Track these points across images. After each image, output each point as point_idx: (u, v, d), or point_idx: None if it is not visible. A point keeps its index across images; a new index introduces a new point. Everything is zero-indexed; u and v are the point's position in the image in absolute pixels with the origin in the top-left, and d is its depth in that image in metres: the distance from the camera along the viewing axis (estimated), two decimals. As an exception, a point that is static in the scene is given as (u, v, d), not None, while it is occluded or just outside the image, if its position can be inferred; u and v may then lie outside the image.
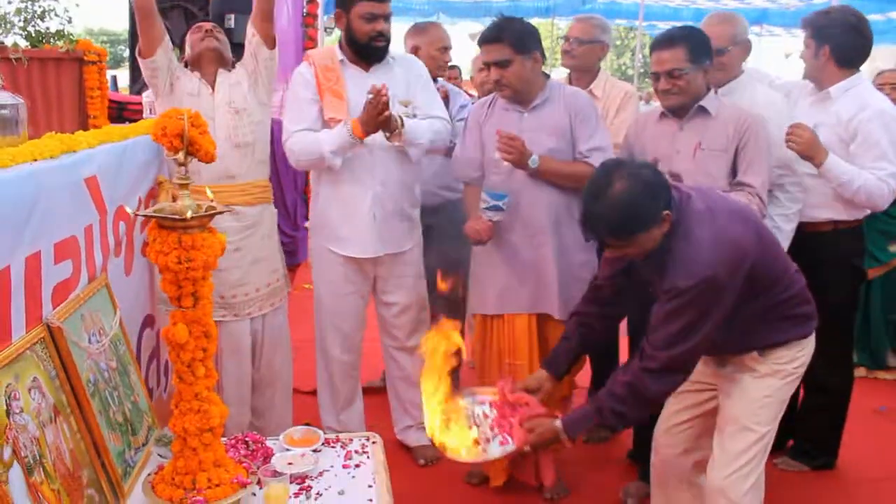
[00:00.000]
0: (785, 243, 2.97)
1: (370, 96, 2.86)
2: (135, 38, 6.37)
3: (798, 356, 2.34)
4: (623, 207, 2.04)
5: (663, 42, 2.82)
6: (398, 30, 4.05)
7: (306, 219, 6.01)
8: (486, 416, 2.36)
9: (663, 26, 16.07)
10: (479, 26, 13.87)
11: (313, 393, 3.61)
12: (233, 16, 5.98)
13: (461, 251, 3.30)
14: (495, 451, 2.26)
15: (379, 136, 3.00)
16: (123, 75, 9.43)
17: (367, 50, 3.07)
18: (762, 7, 13.18)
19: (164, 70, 2.91)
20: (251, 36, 3.03)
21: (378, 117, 2.86)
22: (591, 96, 3.40)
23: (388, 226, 3.16)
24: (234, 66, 3.07)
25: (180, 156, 1.75)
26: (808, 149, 2.94)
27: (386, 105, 2.85)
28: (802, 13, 11.65)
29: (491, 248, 3.04)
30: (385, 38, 3.07)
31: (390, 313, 3.33)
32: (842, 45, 3.10)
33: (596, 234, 2.16)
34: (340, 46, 3.14)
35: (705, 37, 2.84)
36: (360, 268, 3.21)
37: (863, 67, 3.24)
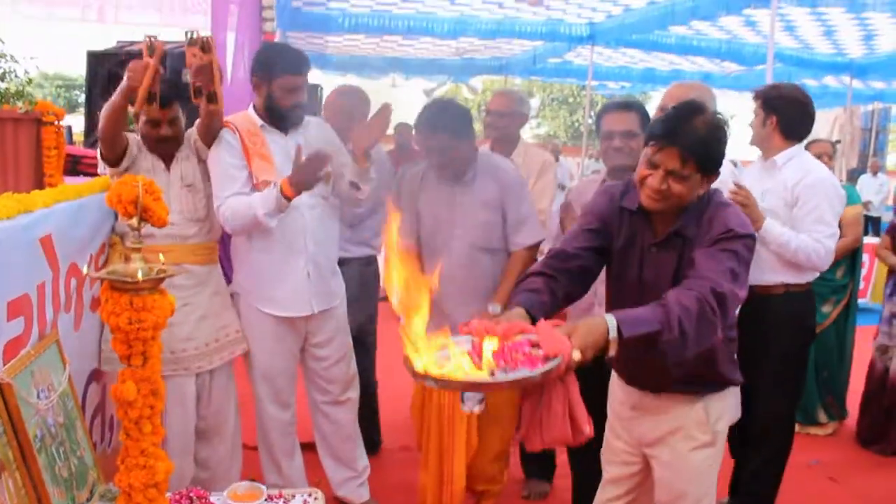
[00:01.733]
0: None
1: (304, 159, 2.95)
2: (91, 84, 6.43)
3: (727, 407, 2.43)
4: (716, 130, 2.10)
5: (618, 106, 3.05)
6: (358, 85, 4.22)
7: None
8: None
9: (613, 86, 16.64)
10: (432, 83, 14.23)
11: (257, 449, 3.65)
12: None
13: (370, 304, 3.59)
14: (542, 367, 1.70)
15: (306, 197, 3.08)
16: (78, 120, 9.42)
17: (286, 117, 3.16)
18: (707, 70, 13.72)
19: (127, 168, 3.01)
20: (193, 141, 3.11)
21: (314, 178, 2.96)
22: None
23: (320, 283, 3.25)
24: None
25: (134, 221, 1.83)
26: (752, 211, 3.11)
27: (323, 166, 2.97)
28: (744, 77, 12.15)
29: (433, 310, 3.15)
30: (301, 106, 3.16)
31: (322, 367, 3.38)
32: (789, 117, 3.30)
33: (682, 139, 2.06)
34: (256, 111, 3.19)
35: (647, 113, 3.05)
36: (293, 326, 3.28)
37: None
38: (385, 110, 3.15)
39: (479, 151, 3.19)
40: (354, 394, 3.50)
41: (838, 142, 7.22)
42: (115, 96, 2.83)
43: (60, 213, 2.40)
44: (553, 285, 2.15)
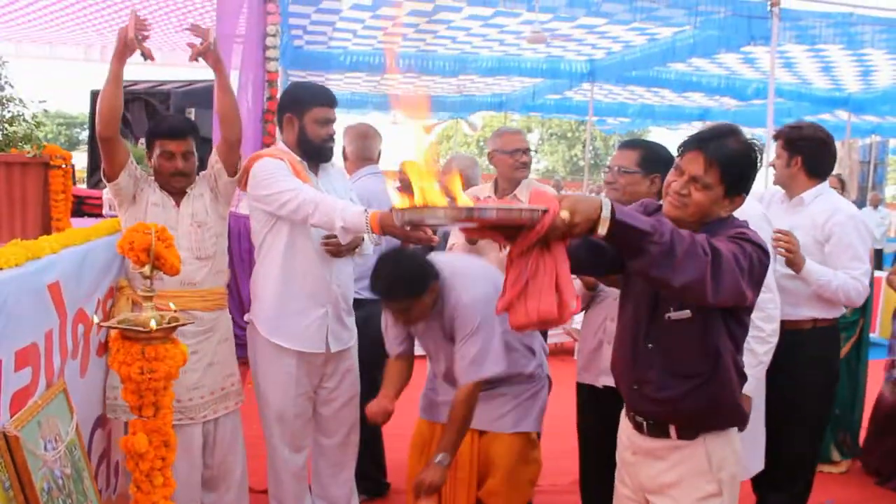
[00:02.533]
0: (760, 368, 2.94)
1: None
2: (94, 122, 6.44)
3: (732, 453, 2.31)
4: (746, 149, 2.12)
5: (624, 144, 3.10)
6: (355, 121, 4.26)
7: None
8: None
9: (612, 122, 16.74)
10: (434, 121, 14.29)
11: (266, 492, 3.57)
12: (193, 109, 6.08)
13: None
14: (528, 206, 1.75)
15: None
16: (80, 157, 9.39)
17: (319, 151, 3.19)
18: (706, 106, 13.83)
19: (128, 188, 2.98)
20: (214, 162, 3.11)
21: (403, 235, 2.94)
22: (516, 199, 3.66)
23: (337, 322, 3.24)
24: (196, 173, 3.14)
25: (146, 269, 1.80)
26: (796, 257, 3.12)
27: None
28: (742, 112, 12.23)
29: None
30: (333, 140, 3.22)
31: (332, 409, 3.34)
32: (813, 157, 3.29)
33: (709, 146, 2.11)
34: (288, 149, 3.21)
35: (663, 153, 3.01)
36: (310, 366, 3.23)
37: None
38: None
39: (440, 280, 2.93)
40: (357, 436, 3.45)
41: (838, 175, 7.26)
42: (111, 64, 2.85)
43: (68, 259, 2.36)
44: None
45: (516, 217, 1.69)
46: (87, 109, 6.47)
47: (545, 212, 1.70)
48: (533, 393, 3.10)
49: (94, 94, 6.41)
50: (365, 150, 4.19)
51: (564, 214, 1.72)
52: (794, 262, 3.14)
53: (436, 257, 3.02)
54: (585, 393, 3.23)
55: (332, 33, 9.19)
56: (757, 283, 2.08)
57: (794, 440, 3.27)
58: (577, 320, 7.43)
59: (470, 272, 3.00)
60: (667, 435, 2.28)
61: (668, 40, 8.65)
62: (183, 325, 1.81)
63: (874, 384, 4.83)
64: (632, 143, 3.12)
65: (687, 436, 2.26)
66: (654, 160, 2.98)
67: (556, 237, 1.76)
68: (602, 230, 1.77)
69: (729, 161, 2.10)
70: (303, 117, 3.14)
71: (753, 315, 2.89)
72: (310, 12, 8.08)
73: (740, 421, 2.33)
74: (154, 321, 1.77)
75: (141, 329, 1.76)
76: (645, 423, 2.32)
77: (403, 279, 2.81)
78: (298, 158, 3.17)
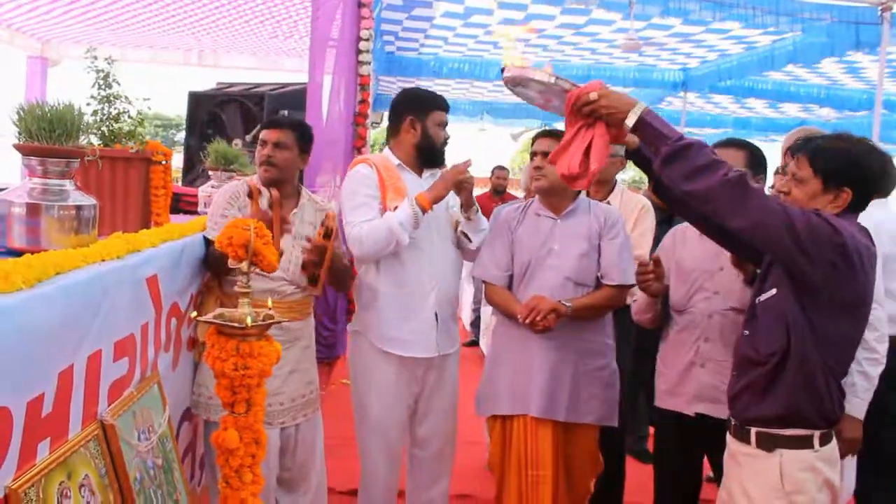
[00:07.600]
0: (868, 393, 2.75)
1: (458, 164, 3.12)
2: (191, 122, 6.61)
3: (815, 475, 2.19)
4: (844, 144, 2.23)
5: (726, 143, 2.97)
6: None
7: (346, 312, 6.05)
8: None
9: (711, 132, 16.30)
10: (521, 128, 14.22)
11: (350, 493, 3.57)
12: (286, 112, 6.19)
13: None
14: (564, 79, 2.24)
15: (438, 237, 3.15)
16: (176, 158, 9.69)
17: (439, 153, 3.24)
18: (801, 117, 13.32)
19: None
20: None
21: (451, 184, 3.07)
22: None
23: (446, 325, 3.21)
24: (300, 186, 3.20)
25: (244, 265, 1.80)
26: None
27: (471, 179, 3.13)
28: (842, 125, 11.61)
29: (508, 346, 3.06)
30: (448, 142, 3.27)
31: (429, 422, 3.27)
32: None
33: (804, 147, 2.26)
34: (392, 152, 3.24)
35: (761, 154, 2.93)
36: (412, 373, 3.19)
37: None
38: (464, 165, 3.14)
39: (580, 194, 3.12)
40: (453, 448, 3.37)
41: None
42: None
43: (166, 253, 2.41)
44: None
45: (563, 84, 2.21)
46: (182, 111, 6.67)
47: (572, 83, 2.19)
48: (612, 372, 3.05)
49: (192, 96, 6.60)
50: None
51: (592, 95, 2.15)
52: None
53: None
54: (669, 420, 3.01)
55: (423, 40, 9.23)
56: (814, 243, 2.05)
57: None
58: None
59: None
60: (748, 441, 2.28)
61: (766, 48, 8.35)
62: (278, 322, 1.81)
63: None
64: (732, 143, 2.97)
65: (765, 446, 2.23)
66: (759, 162, 2.90)
67: (588, 113, 2.16)
68: (629, 122, 2.14)
69: (817, 153, 2.22)
70: (426, 120, 3.19)
71: (869, 335, 2.78)
72: (402, 18, 8.13)
73: (822, 420, 2.21)
74: (250, 318, 1.77)
75: (237, 325, 1.76)
76: (734, 422, 2.34)
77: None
78: (396, 162, 3.19)
